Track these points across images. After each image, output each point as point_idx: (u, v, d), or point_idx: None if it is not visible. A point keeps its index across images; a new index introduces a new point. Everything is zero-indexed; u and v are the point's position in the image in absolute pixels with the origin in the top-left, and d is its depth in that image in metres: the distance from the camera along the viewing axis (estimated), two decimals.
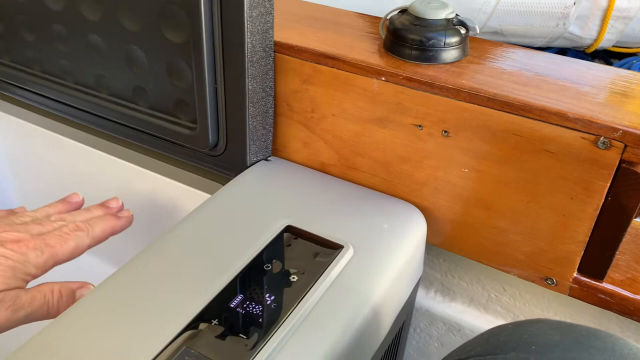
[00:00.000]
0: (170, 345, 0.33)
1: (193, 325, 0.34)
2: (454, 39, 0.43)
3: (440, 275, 0.54)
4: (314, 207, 0.45)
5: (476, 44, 0.47)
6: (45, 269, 0.41)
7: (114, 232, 0.46)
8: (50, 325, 0.35)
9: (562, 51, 1.06)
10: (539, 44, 1.03)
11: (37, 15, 0.52)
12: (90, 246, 0.44)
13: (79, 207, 0.49)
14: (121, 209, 0.49)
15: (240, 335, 0.34)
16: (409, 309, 0.48)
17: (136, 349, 0.33)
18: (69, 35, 0.51)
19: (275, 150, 0.52)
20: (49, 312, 0.39)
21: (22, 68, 0.57)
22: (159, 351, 0.33)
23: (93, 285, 0.41)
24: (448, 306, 0.54)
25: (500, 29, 0.98)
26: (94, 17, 0.49)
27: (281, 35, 0.47)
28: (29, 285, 0.40)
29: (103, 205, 0.49)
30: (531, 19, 0.97)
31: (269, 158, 0.51)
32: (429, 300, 0.55)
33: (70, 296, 0.40)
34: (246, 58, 0.43)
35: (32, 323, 0.39)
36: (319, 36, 0.47)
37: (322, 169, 0.50)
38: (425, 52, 0.43)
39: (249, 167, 0.49)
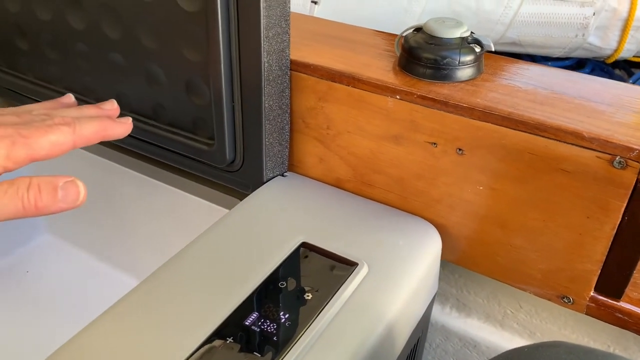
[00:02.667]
0: None
1: (209, 342, 0.35)
2: (468, 58, 0.43)
3: (456, 291, 0.54)
4: (330, 223, 0.46)
5: (491, 61, 0.47)
6: (18, 162, 0.35)
7: (107, 136, 0.40)
8: (70, 341, 0.35)
9: (581, 61, 1.05)
10: (557, 55, 1.02)
11: (60, 33, 0.54)
12: (75, 145, 0.38)
13: (69, 107, 0.43)
14: (117, 112, 0.43)
15: (255, 353, 0.34)
16: (424, 324, 0.48)
17: None
18: (90, 53, 0.53)
19: (291, 165, 0.52)
20: (25, 209, 0.33)
21: (45, 84, 0.59)
22: None
23: (81, 183, 0.35)
24: (464, 322, 0.54)
25: (518, 40, 0.98)
26: (115, 35, 0.50)
27: (297, 53, 0.47)
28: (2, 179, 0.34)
29: (97, 106, 0.43)
30: (550, 30, 0.96)
31: (285, 174, 0.52)
32: (444, 316, 0.55)
33: (51, 193, 0.34)
34: (262, 77, 0.44)
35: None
36: (335, 54, 0.48)
37: (338, 185, 0.51)
38: (440, 71, 0.43)
39: (266, 182, 0.50)
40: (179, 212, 0.56)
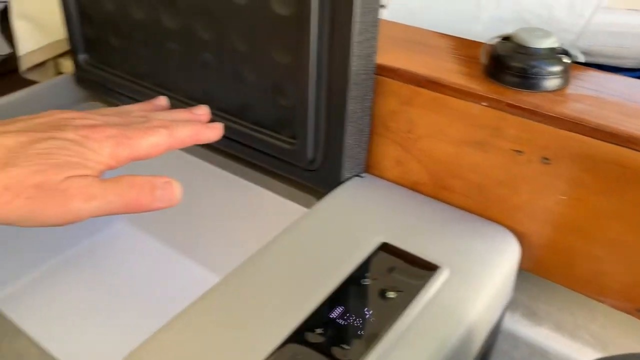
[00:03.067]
0: (277, 351, 0.35)
1: (298, 332, 0.37)
2: (556, 68, 0.43)
3: (526, 299, 0.54)
4: (408, 225, 0.47)
5: (577, 72, 0.47)
6: (121, 161, 0.37)
7: (199, 140, 0.42)
8: (158, 332, 0.37)
9: None
10: (628, 65, 1.00)
11: (153, 32, 0.57)
12: (170, 147, 0.40)
13: (164, 110, 0.46)
14: (208, 117, 0.45)
15: (343, 345, 0.36)
16: (496, 331, 0.49)
17: (244, 353, 0.35)
18: (182, 52, 0.55)
19: (367, 167, 0.54)
20: (127, 205, 0.35)
21: (135, 80, 0.62)
22: (268, 354, 0.35)
23: (178, 184, 0.37)
24: (533, 330, 0.54)
25: (588, 50, 0.96)
26: (207, 36, 0.52)
27: (382, 58, 0.48)
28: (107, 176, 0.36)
29: (189, 110, 0.45)
30: (623, 40, 0.94)
31: (361, 175, 0.53)
32: (513, 323, 0.55)
33: (150, 192, 0.36)
34: (350, 81, 0.45)
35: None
36: (419, 59, 0.49)
37: (414, 188, 0.52)
38: (528, 80, 0.43)
39: (343, 182, 0.51)
40: (255, 208, 0.59)
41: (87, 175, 0.34)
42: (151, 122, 0.40)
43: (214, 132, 0.43)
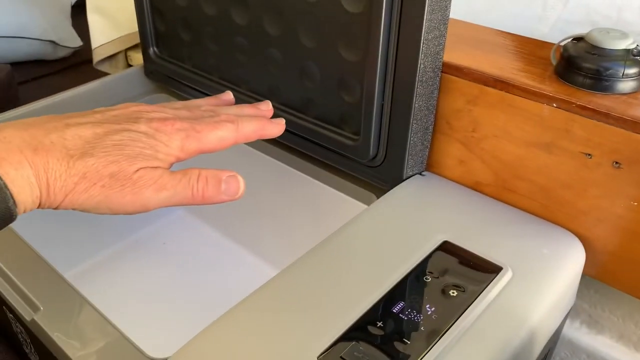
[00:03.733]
0: (338, 342, 0.36)
1: (358, 325, 0.37)
2: (633, 70, 0.42)
3: (588, 307, 0.53)
4: (470, 225, 0.46)
5: None
6: (189, 153, 0.39)
7: (263, 135, 0.43)
8: (216, 322, 0.38)
9: None
10: None
11: (223, 27, 0.58)
12: (236, 141, 0.41)
13: (229, 104, 0.47)
14: (271, 112, 0.47)
15: (404, 339, 0.36)
16: (556, 337, 0.48)
17: (304, 344, 0.36)
18: (249, 47, 0.57)
19: (428, 165, 0.54)
20: (194, 197, 0.37)
21: (202, 73, 0.64)
22: (330, 344, 0.36)
23: (241, 178, 0.39)
24: (594, 339, 0.53)
25: None
26: (275, 32, 0.53)
27: (449, 56, 0.48)
28: (174, 168, 0.38)
29: (254, 105, 0.46)
30: None
31: (423, 173, 0.53)
32: (573, 331, 0.54)
33: (216, 185, 0.38)
34: (417, 78, 0.46)
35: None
36: (487, 58, 0.48)
37: (476, 188, 0.51)
38: (602, 82, 0.42)
39: (405, 180, 0.51)
40: (315, 203, 0.59)
41: (157, 167, 0.36)
42: (219, 117, 0.41)
43: (278, 127, 0.45)
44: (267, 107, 0.47)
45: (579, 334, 0.53)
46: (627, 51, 0.43)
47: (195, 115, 0.41)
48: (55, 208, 0.33)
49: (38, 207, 0.33)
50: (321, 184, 0.57)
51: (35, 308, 0.41)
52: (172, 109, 0.41)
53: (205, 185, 0.37)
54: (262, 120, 0.43)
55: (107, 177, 0.34)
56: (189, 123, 0.39)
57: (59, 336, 0.39)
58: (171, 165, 0.38)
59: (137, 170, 0.35)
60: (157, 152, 0.37)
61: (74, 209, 0.34)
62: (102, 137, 0.35)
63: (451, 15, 0.64)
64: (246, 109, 0.46)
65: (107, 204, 0.34)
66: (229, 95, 0.49)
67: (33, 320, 0.41)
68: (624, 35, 0.43)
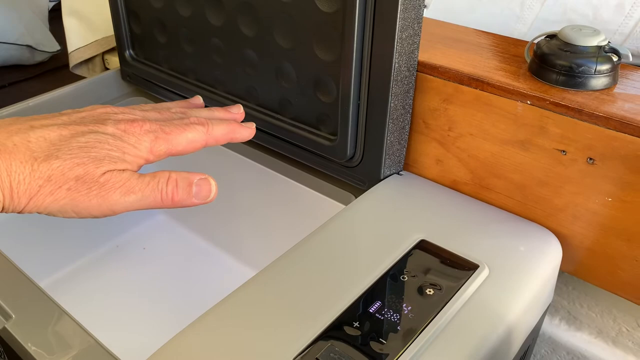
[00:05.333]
0: (314, 343, 0.35)
1: (335, 326, 0.37)
2: (605, 67, 0.42)
3: (567, 303, 0.53)
4: (448, 223, 0.46)
5: (626, 71, 0.46)
6: (158, 155, 0.38)
7: (234, 138, 0.43)
8: (193, 324, 0.37)
9: None
10: None
11: (198, 29, 0.58)
12: (207, 144, 0.41)
13: (199, 108, 0.47)
14: (242, 116, 0.47)
15: (381, 339, 0.36)
16: (535, 334, 0.48)
17: (280, 345, 0.36)
18: (225, 48, 0.56)
19: (406, 165, 0.54)
20: (163, 201, 0.37)
21: (179, 76, 0.63)
22: (306, 345, 0.35)
23: (214, 181, 0.39)
24: (573, 335, 0.53)
25: (637, 52, 0.93)
26: (251, 33, 0.53)
27: (424, 55, 0.48)
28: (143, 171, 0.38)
29: (225, 109, 0.46)
30: None
31: (400, 172, 0.53)
32: (553, 327, 0.54)
33: (186, 188, 0.37)
34: (392, 77, 0.45)
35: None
36: (462, 57, 0.48)
37: (453, 187, 0.51)
38: (574, 78, 0.42)
39: (382, 180, 0.51)
40: (293, 204, 0.59)
41: (125, 170, 0.36)
42: (188, 119, 0.41)
43: (248, 131, 0.44)
44: (238, 110, 0.47)
45: (559, 330, 0.53)
46: (599, 48, 0.43)
47: (165, 117, 0.41)
48: (20, 212, 0.33)
49: (2, 212, 0.32)
50: (299, 185, 0.57)
51: (7, 316, 0.41)
52: (140, 111, 0.41)
53: (175, 188, 0.37)
54: (233, 124, 0.43)
55: (73, 180, 0.33)
56: (158, 125, 0.39)
57: (31, 345, 0.38)
58: (140, 167, 0.38)
59: (104, 173, 0.34)
60: (124, 154, 0.36)
61: (39, 213, 0.33)
62: (68, 139, 0.34)
63: (431, 16, 0.65)
64: (217, 112, 0.46)
65: (73, 207, 0.33)
66: (198, 100, 0.49)
67: (4, 329, 0.40)
68: (595, 32, 0.43)
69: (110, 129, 0.36)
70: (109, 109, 0.39)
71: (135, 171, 0.37)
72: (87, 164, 0.34)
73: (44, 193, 0.32)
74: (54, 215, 0.34)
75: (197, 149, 0.41)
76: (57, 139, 0.34)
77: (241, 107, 0.47)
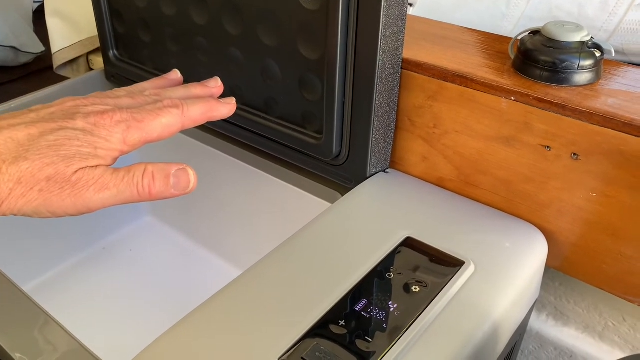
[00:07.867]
0: (300, 342, 0.35)
1: (321, 324, 0.37)
2: (588, 62, 0.43)
3: (554, 299, 0.53)
4: (433, 220, 0.46)
5: (610, 67, 0.46)
6: (133, 145, 0.37)
7: (213, 117, 0.41)
8: (178, 324, 0.37)
9: None
10: None
11: (182, 28, 0.57)
12: (183, 126, 0.39)
13: (177, 84, 0.45)
14: (221, 89, 0.44)
15: (367, 338, 0.36)
16: (522, 330, 0.48)
17: (266, 344, 0.35)
18: (210, 47, 0.56)
19: (392, 162, 0.53)
20: (140, 195, 0.35)
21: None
22: (291, 345, 0.35)
23: (192, 171, 0.37)
24: (560, 331, 0.53)
25: (622, 49, 0.94)
26: (235, 31, 0.53)
27: (409, 52, 0.48)
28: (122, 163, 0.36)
29: (202, 84, 0.44)
30: None
31: (387, 170, 0.53)
32: (540, 323, 0.54)
33: (164, 180, 0.36)
34: (376, 75, 0.45)
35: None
36: (447, 54, 0.48)
37: (439, 184, 0.51)
38: (558, 74, 0.43)
39: (368, 177, 0.51)
40: (279, 203, 0.59)
41: (98, 166, 0.35)
42: (162, 102, 0.39)
43: (228, 107, 0.42)
44: (216, 83, 0.44)
45: (546, 326, 0.53)
46: (582, 43, 0.43)
47: (139, 103, 0.39)
48: None
49: None
50: (285, 183, 0.57)
51: None
52: (113, 98, 0.39)
53: (152, 181, 0.35)
54: (210, 102, 0.41)
55: (44, 181, 0.32)
56: (129, 113, 0.37)
57: (15, 351, 0.38)
58: (115, 160, 0.36)
59: (76, 171, 0.33)
60: (96, 149, 0.35)
61: (14, 215, 0.33)
62: (36, 138, 0.33)
63: (418, 14, 0.65)
64: (193, 88, 0.43)
65: (47, 207, 0.33)
66: (176, 74, 0.46)
67: None
68: (578, 27, 0.44)
69: (80, 123, 0.35)
70: (79, 101, 0.38)
71: (110, 165, 0.35)
72: (57, 163, 0.33)
73: (15, 196, 0.32)
74: (29, 217, 0.33)
75: (173, 132, 0.39)
76: (25, 139, 0.33)
77: (219, 79, 0.45)
